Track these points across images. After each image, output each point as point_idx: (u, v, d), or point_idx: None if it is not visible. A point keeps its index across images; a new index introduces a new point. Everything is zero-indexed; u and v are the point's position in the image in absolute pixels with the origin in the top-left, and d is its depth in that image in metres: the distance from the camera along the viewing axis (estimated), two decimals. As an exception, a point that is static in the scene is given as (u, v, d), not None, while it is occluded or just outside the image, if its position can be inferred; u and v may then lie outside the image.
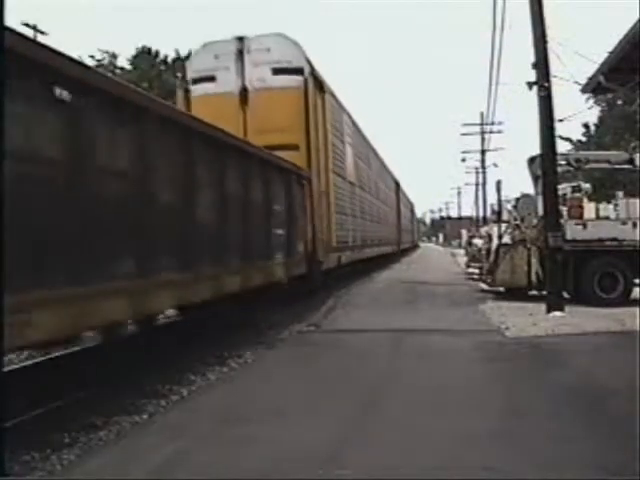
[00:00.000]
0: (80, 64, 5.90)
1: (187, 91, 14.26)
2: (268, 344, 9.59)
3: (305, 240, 13.24)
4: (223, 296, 8.61)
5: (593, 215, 15.51)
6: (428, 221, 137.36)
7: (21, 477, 4.55)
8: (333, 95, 17.07)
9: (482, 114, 41.78)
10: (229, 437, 4.96)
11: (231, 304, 9.45)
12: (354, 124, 21.13)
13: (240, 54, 13.99)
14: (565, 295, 12.70)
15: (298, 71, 13.99)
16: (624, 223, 14.09)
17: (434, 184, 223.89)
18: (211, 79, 14.08)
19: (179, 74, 14.34)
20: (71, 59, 5.46)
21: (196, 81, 14.22)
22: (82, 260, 5.38)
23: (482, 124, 43.45)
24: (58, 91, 5.14)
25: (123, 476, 4.19)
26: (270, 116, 13.34)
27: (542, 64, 11.94)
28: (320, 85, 15.20)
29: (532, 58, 12.03)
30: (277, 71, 13.89)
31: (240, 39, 14.05)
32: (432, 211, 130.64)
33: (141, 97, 7.08)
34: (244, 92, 13.97)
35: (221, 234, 8.70)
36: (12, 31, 4.58)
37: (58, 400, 6.04)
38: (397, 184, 40.23)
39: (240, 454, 4.55)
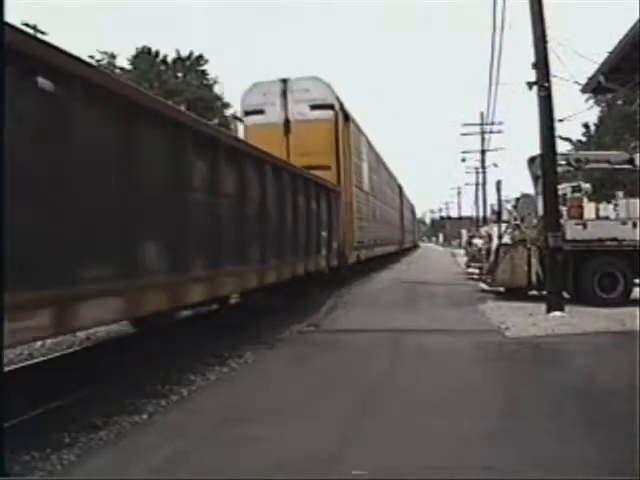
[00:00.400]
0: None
1: (241, 121, 18.07)
2: (268, 344, 9.59)
3: (337, 240, 16.64)
4: (294, 277, 12.38)
5: (593, 215, 15.54)
6: (428, 221, 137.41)
7: (21, 477, 4.55)
8: (355, 123, 20.66)
9: (482, 114, 41.83)
10: (229, 437, 4.96)
11: (295, 284, 12.76)
12: (369, 143, 24.72)
13: (284, 93, 17.35)
14: (565, 295, 12.70)
15: (330, 107, 17.49)
16: (624, 223, 14.10)
17: (434, 184, 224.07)
18: (260, 112, 17.47)
19: (236, 110, 19.14)
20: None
21: (248, 113, 17.74)
22: (181, 257, 7.17)
23: (482, 124, 43.48)
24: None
25: (123, 476, 4.19)
26: (308, 142, 16.62)
27: (542, 64, 11.94)
28: (346, 116, 18.85)
29: (532, 58, 12.03)
30: (314, 107, 17.30)
31: (284, 81, 17.45)
32: (432, 211, 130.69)
33: (235, 140, 10.23)
34: (287, 123, 17.38)
35: (290, 235, 12.05)
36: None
37: (58, 400, 6.04)
38: (400, 188, 42.63)
39: (240, 454, 4.55)
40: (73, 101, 5.10)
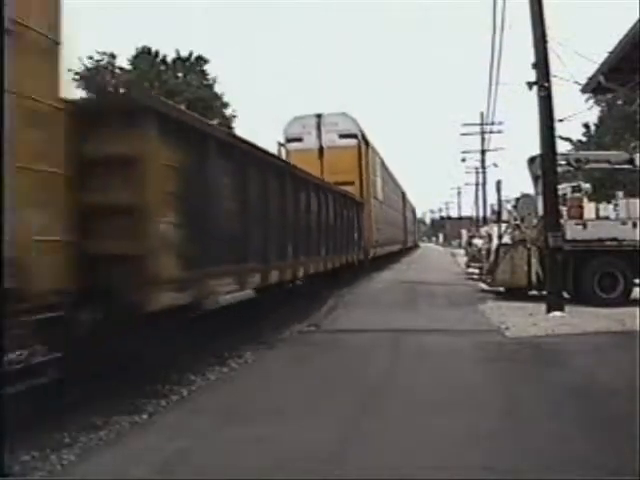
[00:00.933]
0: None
1: (283, 146, 22.23)
2: (268, 344, 9.58)
3: (363, 240, 21.61)
4: (340, 266, 17.35)
5: (593, 215, 15.53)
6: (428, 221, 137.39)
7: (21, 477, 4.55)
8: (372, 147, 25.93)
9: (482, 114, 41.84)
10: (229, 437, 4.96)
11: (337, 270, 17.25)
12: (382, 160, 29.90)
13: (318, 125, 22.49)
14: (565, 295, 12.71)
15: (354, 136, 22.74)
16: (624, 223, 14.10)
17: (434, 184, 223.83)
18: (299, 140, 22.50)
19: (280, 140, 22.71)
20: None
21: (289, 140, 22.53)
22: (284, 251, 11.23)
23: (482, 124, 43.48)
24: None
25: (123, 476, 4.19)
26: (337, 164, 21.35)
27: (542, 64, 11.95)
28: (366, 143, 24.16)
29: (532, 58, 12.04)
30: (342, 136, 22.47)
31: (318, 116, 22.62)
32: (432, 211, 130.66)
33: (300, 171, 13.21)
34: (321, 149, 22.31)
35: (337, 237, 16.75)
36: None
37: (58, 400, 6.04)
38: (403, 194, 47.12)
39: (240, 454, 4.55)
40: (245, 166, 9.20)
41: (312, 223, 13.59)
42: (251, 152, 9.47)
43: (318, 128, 22.44)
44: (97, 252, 5.97)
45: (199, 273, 7.35)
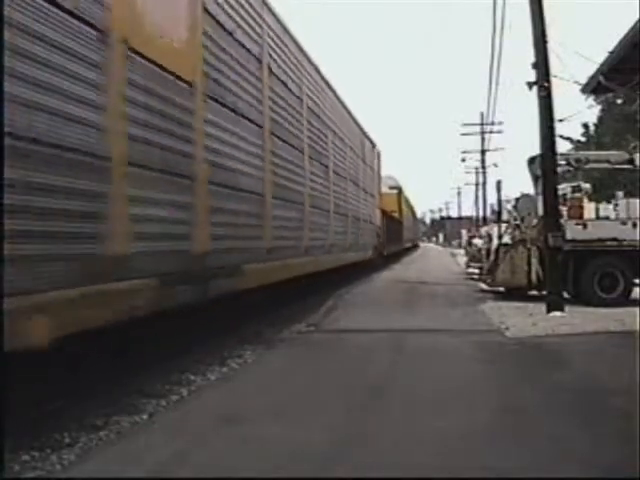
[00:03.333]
0: None
1: None
2: (268, 344, 9.58)
3: (402, 241, 40.90)
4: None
5: (593, 215, 15.52)
6: (428, 221, 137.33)
7: (21, 477, 4.55)
8: (403, 192, 42.97)
9: (482, 114, 42.00)
10: (229, 437, 4.95)
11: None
12: (406, 197, 45.83)
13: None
14: (565, 295, 12.70)
15: (397, 188, 39.39)
16: (624, 223, 14.08)
17: (434, 184, 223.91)
18: None
19: None
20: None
21: None
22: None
23: (482, 124, 43.60)
24: None
25: (123, 476, 4.18)
26: (388, 203, 33.62)
27: (542, 64, 11.94)
28: (401, 191, 41.00)
29: (532, 58, 12.03)
30: (390, 187, 36.69)
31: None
32: (432, 211, 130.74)
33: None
34: (380, 194, 29.73)
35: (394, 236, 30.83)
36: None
37: (58, 400, 6.04)
38: (413, 209, 59.98)
39: (240, 454, 4.55)
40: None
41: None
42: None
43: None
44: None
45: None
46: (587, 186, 17.80)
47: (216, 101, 8.31)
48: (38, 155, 4.67)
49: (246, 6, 9.61)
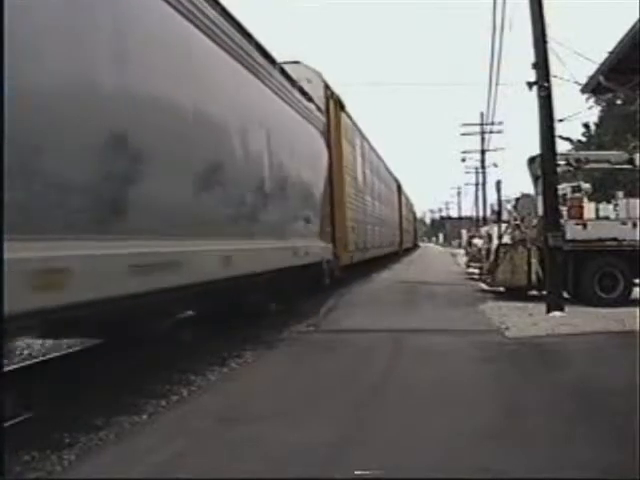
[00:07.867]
0: None
1: None
2: (268, 344, 9.58)
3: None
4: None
5: (593, 215, 15.50)
6: (428, 221, 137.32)
7: (21, 477, 4.55)
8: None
9: (482, 114, 41.95)
10: (229, 437, 4.96)
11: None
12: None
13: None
14: (565, 295, 12.70)
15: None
16: (624, 223, 14.07)
17: (434, 184, 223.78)
18: None
19: None
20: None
21: None
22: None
23: (482, 124, 43.55)
24: None
25: (123, 476, 4.18)
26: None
27: (542, 64, 11.93)
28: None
29: (532, 58, 12.03)
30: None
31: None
32: (432, 211, 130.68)
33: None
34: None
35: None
36: None
37: (58, 400, 6.04)
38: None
39: (240, 454, 4.55)
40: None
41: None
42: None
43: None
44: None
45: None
46: (587, 186, 17.79)
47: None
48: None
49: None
